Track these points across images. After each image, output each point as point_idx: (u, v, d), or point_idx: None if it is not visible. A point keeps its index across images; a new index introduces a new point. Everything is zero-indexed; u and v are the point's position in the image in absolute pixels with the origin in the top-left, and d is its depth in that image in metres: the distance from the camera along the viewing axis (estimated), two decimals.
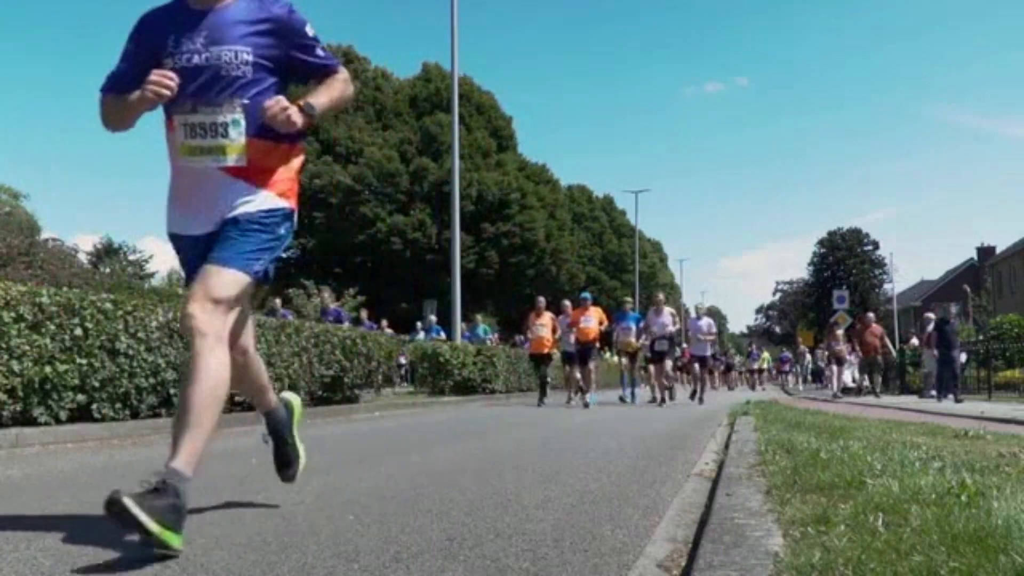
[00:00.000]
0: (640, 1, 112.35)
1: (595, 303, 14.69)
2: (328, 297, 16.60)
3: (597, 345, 14.21)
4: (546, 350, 13.98)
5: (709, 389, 30.33)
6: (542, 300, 14.22)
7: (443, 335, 19.03)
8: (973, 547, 1.83)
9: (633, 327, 14.64)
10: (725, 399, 17.80)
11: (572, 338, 13.77)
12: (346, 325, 12.18)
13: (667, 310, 14.38)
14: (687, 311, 23.21)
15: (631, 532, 2.59)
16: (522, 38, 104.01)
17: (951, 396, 14.47)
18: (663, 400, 13.92)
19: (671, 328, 14.15)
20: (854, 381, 20.27)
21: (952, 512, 2.27)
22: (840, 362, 19.19)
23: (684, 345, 23.80)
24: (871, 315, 19.64)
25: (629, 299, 16.37)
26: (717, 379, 33.54)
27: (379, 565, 2.11)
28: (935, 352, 15.61)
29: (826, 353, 21.26)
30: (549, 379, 14.73)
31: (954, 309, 16.98)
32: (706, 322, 15.84)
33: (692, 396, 15.51)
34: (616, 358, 19.17)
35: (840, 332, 19.75)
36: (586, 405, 12.89)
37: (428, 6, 79.96)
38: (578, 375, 13.57)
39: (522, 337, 20.08)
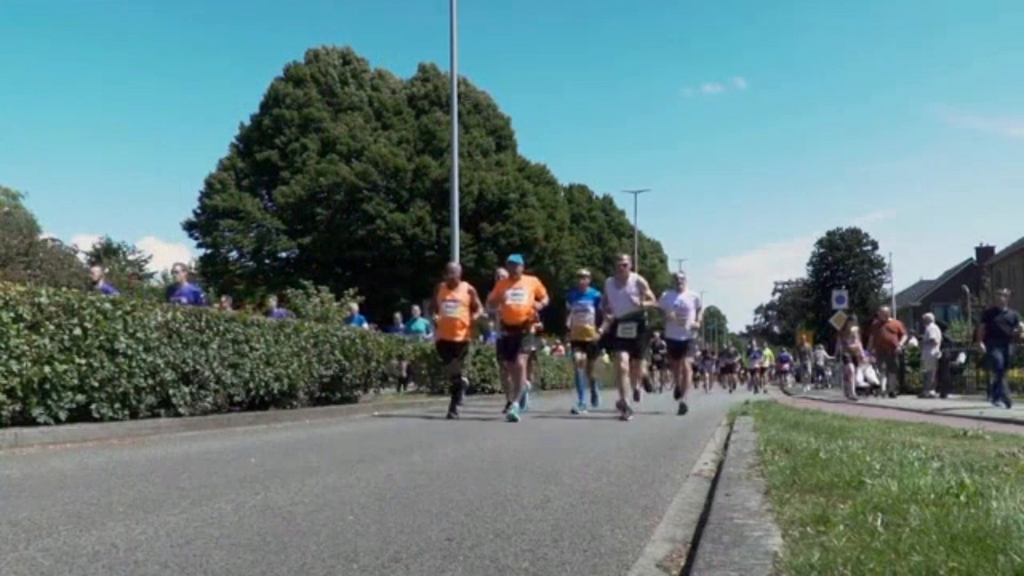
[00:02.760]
0: (638, 2, 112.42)
1: (530, 270, 10.21)
2: (273, 301, 15.26)
3: (532, 330, 9.80)
4: (459, 337, 9.49)
5: (700, 390, 26.07)
6: (455, 267, 9.90)
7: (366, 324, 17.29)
8: (972, 547, 1.83)
9: (591, 309, 10.58)
10: (724, 401, 17.69)
11: (497, 320, 9.90)
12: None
13: (634, 277, 9.61)
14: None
15: (630, 532, 2.59)
16: (521, 38, 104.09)
17: (1001, 401, 12.10)
18: (624, 407, 9.11)
19: (638, 300, 9.40)
20: (866, 380, 18.31)
21: (951, 512, 2.28)
22: (856, 361, 17.54)
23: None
24: (886, 309, 18.43)
25: (586, 271, 11.52)
26: (710, 379, 30.48)
27: (378, 565, 2.11)
28: (982, 346, 13.02)
29: (828, 352, 19.99)
30: (466, 378, 10.69)
31: (1006, 293, 14.18)
32: (686, 297, 11.03)
33: (681, 410, 10.33)
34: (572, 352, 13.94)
35: (855, 329, 18.22)
36: (512, 417, 8.60)
37: (426, 6, 79.95)
38: (510, 375, 9.48)
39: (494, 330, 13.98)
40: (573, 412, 10.30)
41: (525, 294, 9.46)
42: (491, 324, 10.05)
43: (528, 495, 3.32)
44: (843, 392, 18.59)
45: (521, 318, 9.42)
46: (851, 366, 17.63)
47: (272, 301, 15.80)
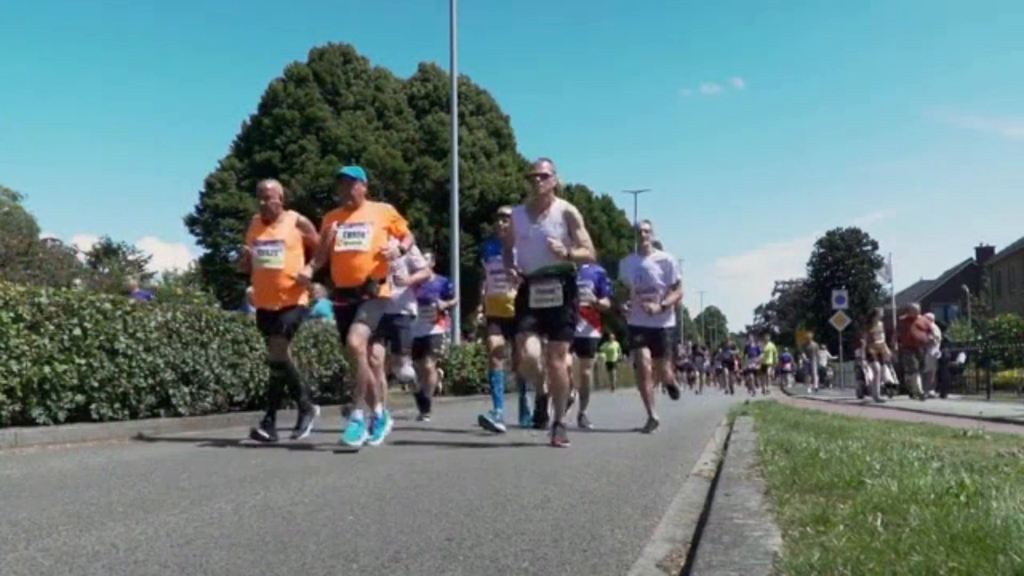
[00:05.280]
0: (638, 2, 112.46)
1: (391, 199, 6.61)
2: (133, 281, 13.61)
3: (387, 292, 5.65)
4: (279, 301, 5.90)
5: (693, 392, 24.12)
6: (269, 186, 5.99)
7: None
8: (972, 547, 1.83)
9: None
10: (721, 403, 17.58)
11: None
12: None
13: (560, 206, 5.62)
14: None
15: (630, 532, 2.59)
16: (521, 38, 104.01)
17: None
18: (544, 421, 6.57)
19: (560, 244, 5.40)
20: (881, 380, 16.61)
21: (951, 512, 2.28)
22: (882, 359, 16.00)
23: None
24: (916, 305, 17.07)
25: (510, 209, 6.46)
26: (704, 379, 27.67)
27: (378, 565, 2.11)
28: None
29: (862, 350, 17.93)
30: (301, 379, 6.66)
31: None
32: (653, 261, 7.16)
33: (648, 426, 6.97)
34: (480, 335, 11.68)
35: (881, 324, 16.44)
36: (344, 444, 5.12)
37: (427, 5, 79.91)
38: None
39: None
40: (486, 423, 6.58)
41: (368, 233, 5.36)
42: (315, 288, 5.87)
43: (528, 495, 3.32)
44: (858, 392, 17.67)
45: (358, 275, 5.36)
46: (877, 364, 16.12)
47: (132, 280, 14.20)
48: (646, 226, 7.38)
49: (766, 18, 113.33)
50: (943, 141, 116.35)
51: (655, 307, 7.04)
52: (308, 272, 5.78)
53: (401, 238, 5.59)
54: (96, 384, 6.17)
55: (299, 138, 37.11)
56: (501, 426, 6.60)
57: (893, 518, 2.23)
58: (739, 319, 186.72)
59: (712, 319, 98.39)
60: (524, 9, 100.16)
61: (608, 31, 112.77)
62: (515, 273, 5.64)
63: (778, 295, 77.51)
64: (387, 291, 5.67)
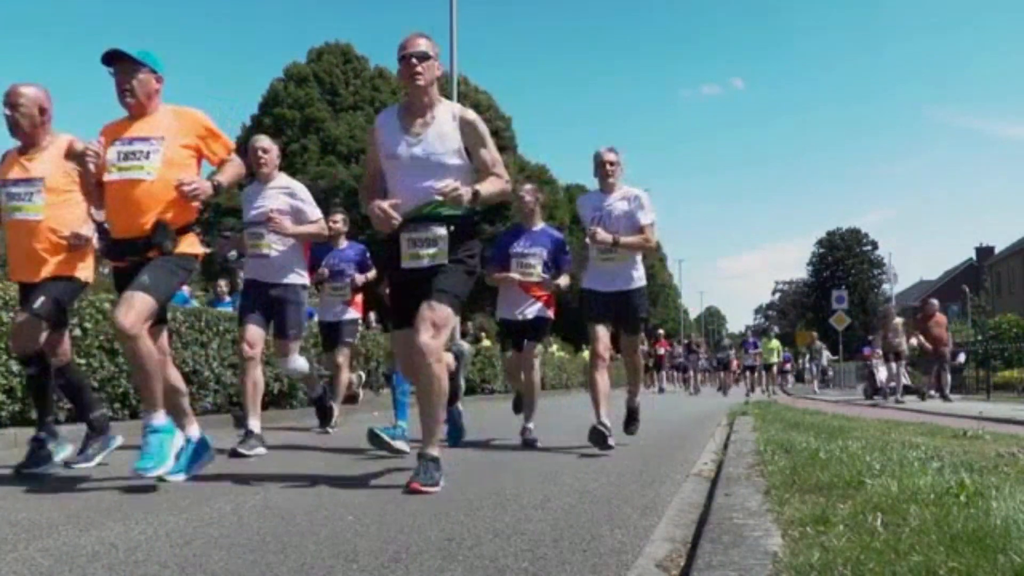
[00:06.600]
0: (638, 2, 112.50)
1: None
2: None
3: (194, 246, 3.75)
4: (43, 275, 3.87)
5: (688, 392, 22.90)
6: (26, 91, 3.87)
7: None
8: (972, 547, 1.83)
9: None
10: (720, 404, 17.49)
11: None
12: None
13: (448, 108, 3.66)
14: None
15: (630, 532, 2.59)
16: (521, 38, 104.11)
17: None
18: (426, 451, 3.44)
19: (455, 165, 3.55)
20: (891, 381, 15.99)
21: (951, 512, 2.28)
22: (899, 358, 15.23)
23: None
24: (935, 302, 15.97)
25: None
26: (699, 378, 25.69)
27: (378, 565, 2.11)
28: None
29: (878, 350, 16.45)
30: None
31: None
32: (619, 199, 5.18)
33: (627, 426, 5.73)
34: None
35: (899, 322, 15.75)
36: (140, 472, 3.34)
37: (427, 5, 79.92)
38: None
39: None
40: (374, 441, 4.57)
41: (157, 152, 3.48)
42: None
43: (528, 495, 3.32)
44: (867, 393, 17.23)
45: (141, 220, 3.51)
46: (893, 364, 15.42)
47: None
48: (611, 156, 5.22)
49: (766, 18, 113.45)
50: (943, 141, 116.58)
51: (606, 236, 4.97)
52: (88, 229, 3.90)
53: (219, 165, 3.65)
54: (96, 384, 6.16)
55: (299, 138, 37.11)
56: (402, 445, 4.60)
57: (893, 518, 2.23)
58: (739, 319, 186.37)
59: (712, 319, 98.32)
60: (524, 9, 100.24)
61: (608, 31, 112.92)
62: (379, 212, 3.46)
63: (778, 295, 77.49)
64: (194, 244, 3.74)
